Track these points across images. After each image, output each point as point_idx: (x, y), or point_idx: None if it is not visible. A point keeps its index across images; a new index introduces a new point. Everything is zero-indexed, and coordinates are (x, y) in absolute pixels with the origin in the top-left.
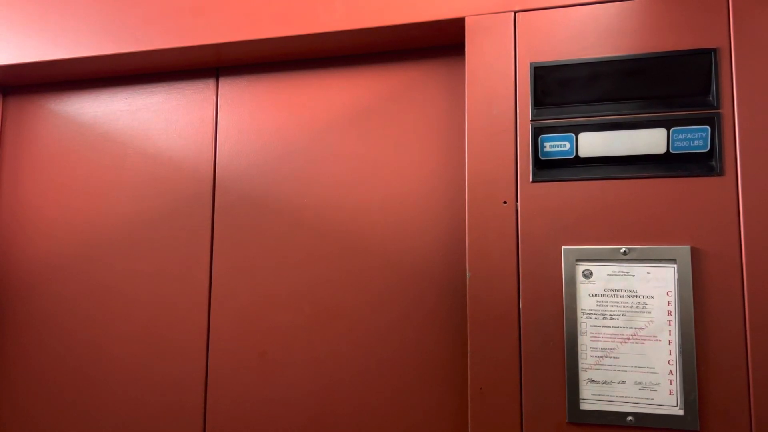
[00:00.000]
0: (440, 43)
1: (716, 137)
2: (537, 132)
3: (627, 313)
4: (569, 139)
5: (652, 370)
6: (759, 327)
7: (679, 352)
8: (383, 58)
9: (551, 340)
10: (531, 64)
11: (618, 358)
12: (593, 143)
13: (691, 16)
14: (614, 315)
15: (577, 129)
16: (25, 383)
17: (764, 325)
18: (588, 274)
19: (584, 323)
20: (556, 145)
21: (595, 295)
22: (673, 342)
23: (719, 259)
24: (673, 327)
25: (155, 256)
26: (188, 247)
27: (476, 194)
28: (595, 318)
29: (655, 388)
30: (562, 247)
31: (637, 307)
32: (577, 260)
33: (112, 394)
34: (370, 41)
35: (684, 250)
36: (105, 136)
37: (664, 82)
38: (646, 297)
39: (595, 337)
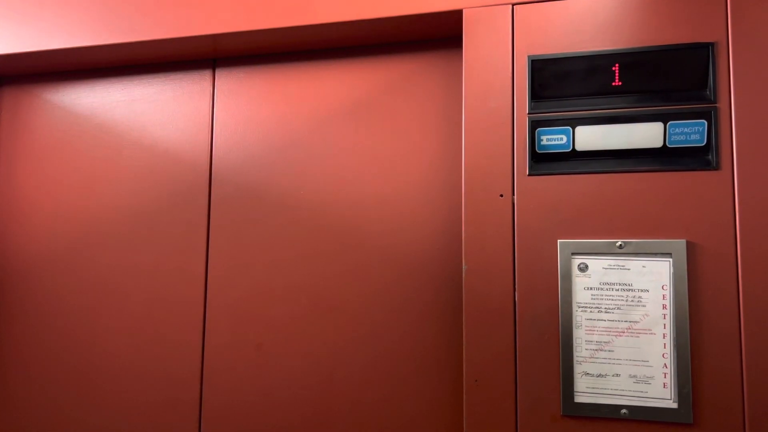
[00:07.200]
0: (438, 35)
1: (713, 131)
2: (534, 125)
3: (622, 307)
4: (566, 133)
5: (646, 364)
6: (753, 321)
7: (674, 346)
8: (381, 50)
9: (546, 333)
10: (528, 57)
11: (613, 351)
12: (590, 137)
13: (689, 10)
14: (609, 308)
15: (574, 122)
16: (19, 377)
17: (758, 319)
18: (584, 268)
19: (579, 316)
20: (553, 139)
21: (591, 288)
22: (668, 336)
23: (715, 253)
24: (668, 321)
25: (151, 248)
26: (184, 239)
27: (473, 187)
28: (591, 311)
29: (650, 381)
30: (558, 241)
31: (632, 301)
32: (573, 254)
33: (108, 387)
34: (367, 33)
35: (680, 244)
36: (101, 127)
37: (661, 76)
38: (642, 291)
39: (590, 330)
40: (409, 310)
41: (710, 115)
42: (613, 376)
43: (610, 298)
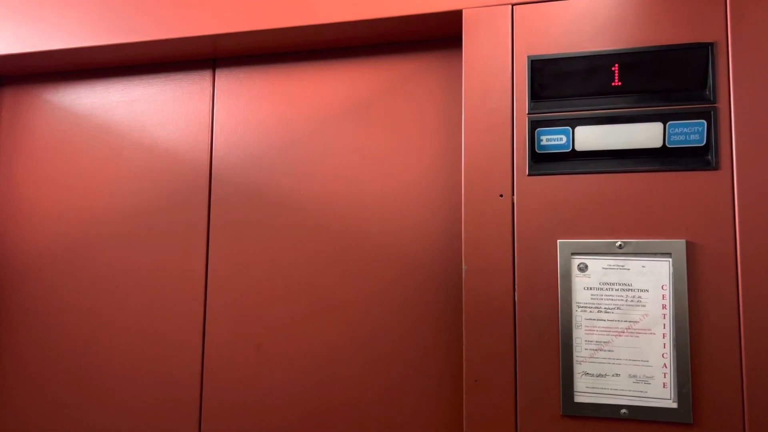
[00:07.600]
0: (438, 35)
1: (712, 131)
2: (534, 125)
3: (622, 307)
4: (566, 133)
5: (646, 363)
6: (753, 321)
7: (674, 346)
8: (381, 50)
9: (546, 333)
10: (528, 57)
11: (612, 351)
12: (590, 137)
13: (689, 10)
14: (609, 308)
15: (574, 122)
16: (19, 377)
17: (758, 319)
18: (583, 268)
19: (579, 316)
20: (553, 139)
21: (591, 288)
22: (668, 335)
23: (714, 253)
24: (668, 320)
25: (151, 248)
26: (184, 239)
27: (473, 187)
28: (590, 311)
29: (649, 381)
30: (558, 241)
31: (632, 301)
32: (573, 254)
33: (108, 387)
34: (367, 33)
35: (679, 244)
36: (101, 128)
37: (660, 76)
38: (641, 291)
39: (590, 330)
40: (409, 310)
41: (710, 115)
42: (612, 376)
43: (610, 298)
